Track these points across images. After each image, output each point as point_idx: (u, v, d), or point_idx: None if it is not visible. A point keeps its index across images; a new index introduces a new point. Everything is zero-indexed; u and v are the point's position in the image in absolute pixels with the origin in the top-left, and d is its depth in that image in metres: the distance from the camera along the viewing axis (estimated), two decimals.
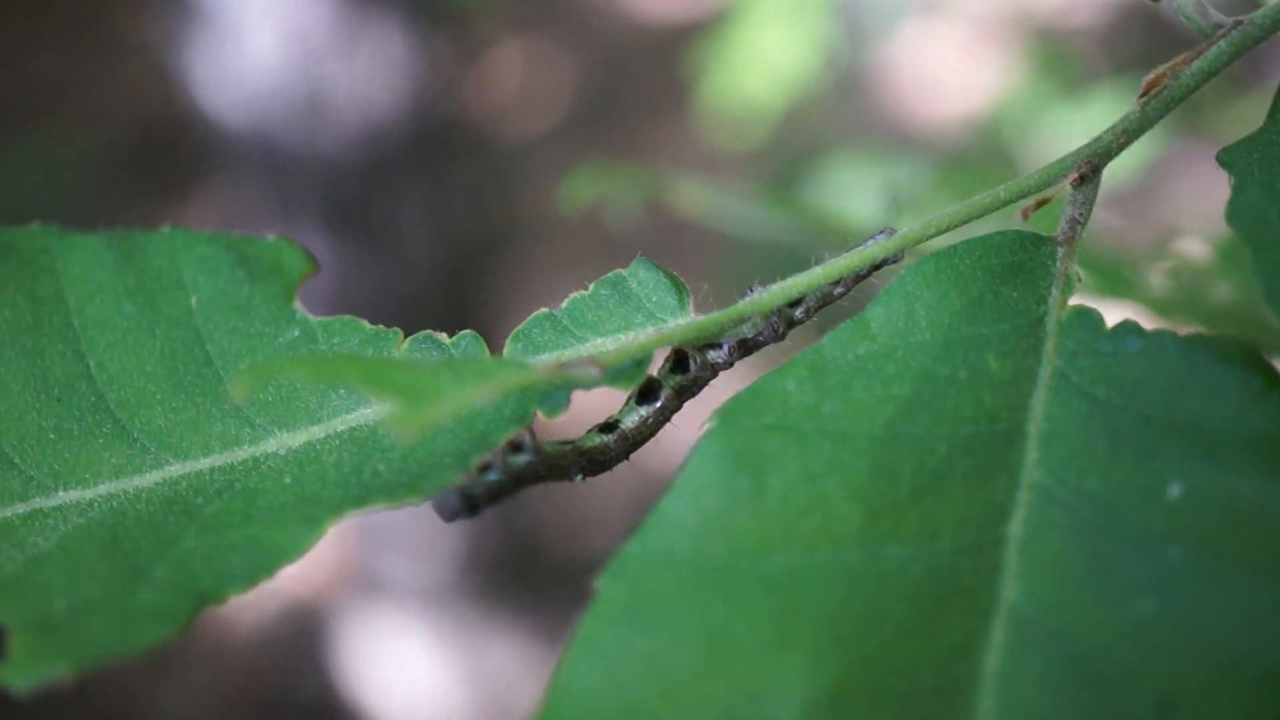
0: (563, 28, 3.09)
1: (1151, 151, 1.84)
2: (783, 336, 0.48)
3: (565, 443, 0.46)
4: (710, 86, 2.46)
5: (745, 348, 0.48)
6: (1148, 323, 0.94)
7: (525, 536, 2.50)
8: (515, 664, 2.35)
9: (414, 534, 2.32)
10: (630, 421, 0.47)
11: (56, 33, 3.00)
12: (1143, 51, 2.55)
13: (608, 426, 0.47)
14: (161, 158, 2.84)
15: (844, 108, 2.78)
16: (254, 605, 2.47)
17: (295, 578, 2.49)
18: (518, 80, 3.03)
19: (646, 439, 0.48)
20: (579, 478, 0.46)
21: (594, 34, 3.06)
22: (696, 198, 0.83)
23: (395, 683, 2.36)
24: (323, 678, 2.39)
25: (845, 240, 0.90)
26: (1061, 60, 2.31)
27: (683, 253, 2.54)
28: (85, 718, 2.32)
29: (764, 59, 2.42)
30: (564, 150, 2.87)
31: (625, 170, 0.85)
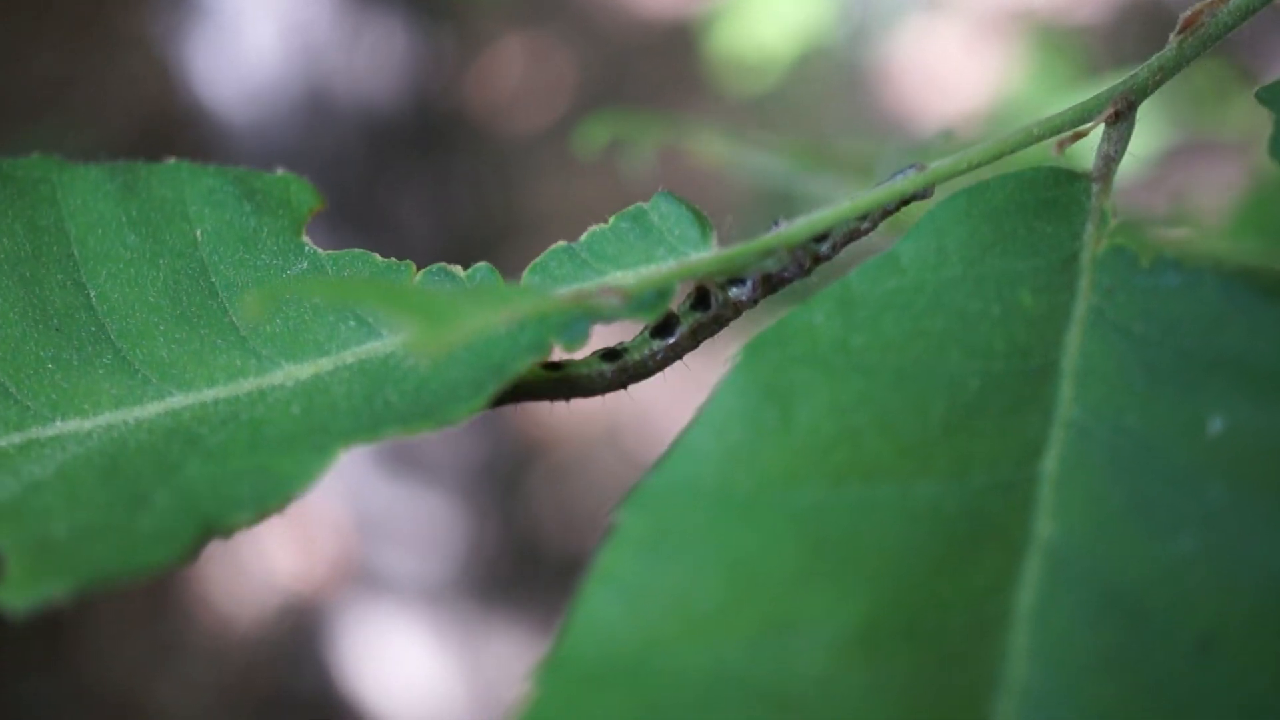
0: (565, 23, 3.08)
1: (1154, 144, 1.82)
2: (808, 272, 0.47)
3: (555, 365, 0.44)
4: (721, 38, 2.46)
5: (770, 284, 0.46)
6: None
7: (525, 533, 2.49)
8: (514, 660, 2.34)
9: (414, 531, 2.31)
10: (638, 354, 0.46)
11: (58, 29, 2.99)
12: (1146, 48, 2.54)
13: (611, 354, 0.46)
14: (163, 152, 2.82)
15: (844, 102, 2.77)
16: (253, 601, 2.46)
17: (294, 574, 2.47)
18: (519, 75, 3.02)
19: (649, 374, 0.46)
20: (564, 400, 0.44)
21: (596, 29, 3.05)
22: (715, 144, 0.81)
23: (394, 679, 2.35)
24: (322, 674, 2.38)
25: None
26: (1064, 57, 2.31)
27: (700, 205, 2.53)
28: (84, 713, 2.31)
29: (776, 12, 2.42)
30: (565, 145, 2.86)
31: (641, 116, 0.83)
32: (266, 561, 2.48)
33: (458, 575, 2.34)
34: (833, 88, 2.71)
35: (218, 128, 2.37)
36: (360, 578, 2.39)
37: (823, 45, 2.51)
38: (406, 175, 2.41)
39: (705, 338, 0.47)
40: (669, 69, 2.88)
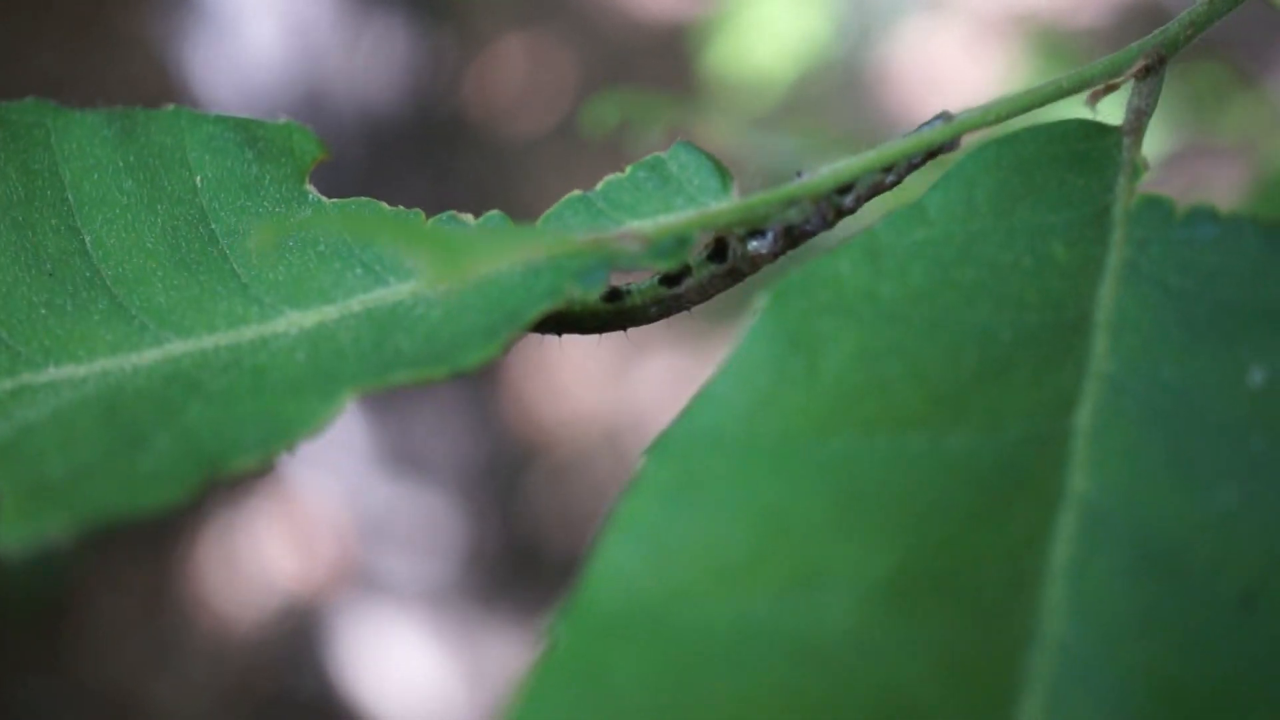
0: (566, 24, 3.07)
1: (1158, 147, 1.81)
2: (831, 225, 0.45)
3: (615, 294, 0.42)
4: (717, 56, 2.45)
5: (791, 237, 0.45)
6: None
7: (526, 534, 2.47)
8: (515, 662, 2.32)
9: (414, 533, 2.30)
10: (638, 298, 0.44)
11: (57, 29, 2.98)
12: None
13: (614, 294, 0.44)
14: None
15: (844, 106, 2.77)
16: (253, 603, 2.45)
17: (294, 576, 2.46)
18: (521, 76, 3.01)
19: (646, 322, 0.45)
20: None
21: (598, 31, 3.05)
22: (726, 128, 0.80)
23: (394, 680, 2.34)
24: (321, 675, 2.36)
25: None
26: (1065, 61, 2.30)
27: None
28: (83, 714, 2.29)
29: (773, 29, 2.41)
30: (567, 147, 2.85)
31: (648, 98, 0.82)
32: (266, 563, 2.47)
33: (457, 577, 2.33)
34: (833, 91, 2.71)
35: None
36: (359, 579, 2.38)
37: (822, 56, 2.50)
38: (407, 176, 2.40)
39: (717, 291, 0.46)
40: (671, 70, 2.87)
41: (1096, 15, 2.80)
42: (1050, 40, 2.42)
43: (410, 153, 2.41)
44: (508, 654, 2.33)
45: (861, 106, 2.79)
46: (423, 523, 2.29)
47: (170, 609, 2.43)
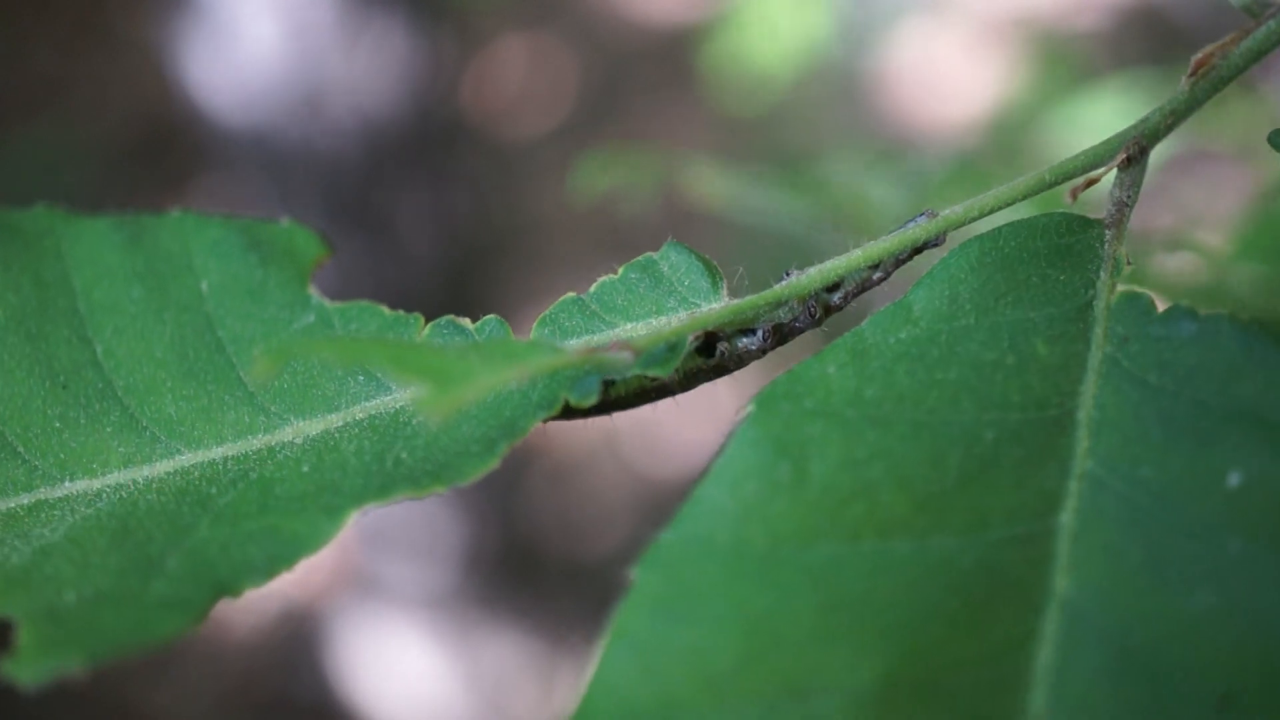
0: (566, 26, 3.07)
1: (1161, 152, 1.82)
2: (820, 323, 0.46)
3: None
4: (717, 54, 2.45)
5: (780, 334, 0.46)
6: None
7: (525, 539, 2.48)
8: (514, 667, 2.33)
9: (413, 537, 2.31)
10: (624, 389, 0.45)
11: (56, 29, 2.98)
12: (1147, 55, 2.53)
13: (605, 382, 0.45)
14: (161, 154, 2.82)
15: (843, 109, 2.77)
16: (252, 608, 2.46)
17: (293, 580, 2.47)
18: (520, 78, 3.01)
19: (624, 409, 0.46)
20: None
21: (598, 32, 3.05)
22: (710, 181, 0.81)
23: (393, 685, 2.35)
24: (320, 680, 2.37)
25: (865, 226, 0.88)
26: (1065, 64, 2.30)
27: (697, 246, 2.52)
28: (80, 717, 2.30)
29: (773, 27, 2.41)
30: (566, 148, 2.85)
31: (637, 155, 0.82)
32: None
33: (457, 581, 2.34)
34: (832, 95, 2.71)
35: (216, 130, 2.37)
36: (359, 583, 2.39)
37: (821, 58, 2.50)
38: (406, 179, 2.41)
39: (701, 382, 0.47)
40: (671, 73, 2.87)
41: (1096, 19, 2.80)
42: (1050, 44, 2.43)
43: (409, 155, 2.41)
44: (506, 657, 2.34)
45: (860, 109, 2.80)
46: (422, 526, 2.30)
47: None
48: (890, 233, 0.46)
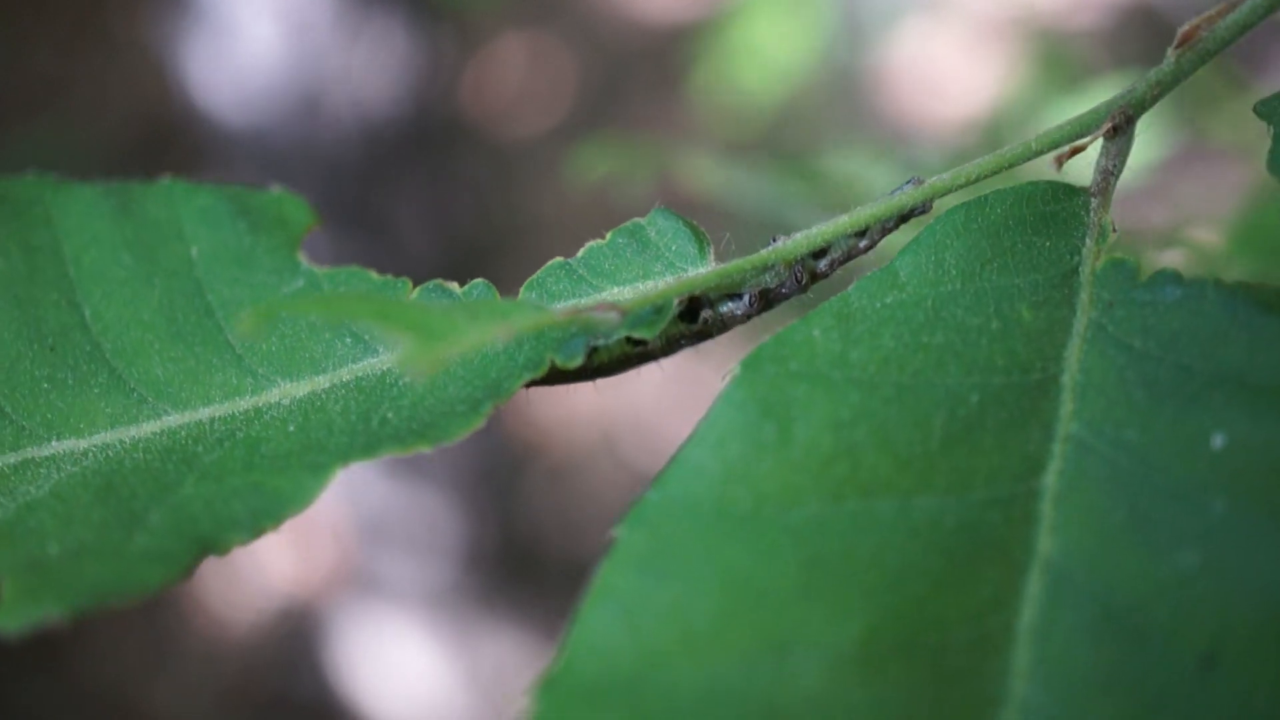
0: (565, 25, 3.08)
1: (1152, 153, 1.82)
2: (806, 289, 0.47)
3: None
4: (705, 78, 2.45)
5: (766, 299, 0.46)
6: None
7: (523, 536, 2.48)
8: (513, 664, 2.33)
9: (412, 535, 2.31)
10: (606, 355, 0.45)
11: (55, 30, 2.99)
12: (1145, 54, 2.54)
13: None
14: (160, 154, 2.83)
15: (842, 108, 2.77)
16: (250, 605, 2.46)
17: (292, 578, 2.47)
18: (519, 77, 3.01)
19: (612, 374, 0.46)
20: None
21: (596, 32, 3.05)
22: (708, 172, 0.82)
23: (392, 682, 2.35)
24: (319, 677, 2.37)
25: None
26: (1063, 62, 2.30)
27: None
28: (81, 716, 2.31)
29: (760, 52, 2.41)
30: (565, 148, 2.85)
31: (634, 144, 0.83)
32: (263, 565, 2.48)
33: (456, 578, 2.34)
34: (831, 94, 2.71)
35: (215, 130, 2.37)
36: (358, 581, 2.39)
37: (820, 57, 2.50)
38: (405, 178, 2.41)
39: (684, 347, 0.47)
40: (669, 73, 2.87)
41: (1094, 17, 2.80)
42: (1048, 42, 2.43)
43: (408, 153, 2.42)
44: (505, 655, 2.34)
45: (859, 108, 2.80)
46: (421, 524, 2.30)
47: (168, 611, 2.44)
48: (878, 199, 0.47)
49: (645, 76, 2.97)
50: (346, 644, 2.39)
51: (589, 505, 2.48)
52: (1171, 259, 0.97)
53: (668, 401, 2.29)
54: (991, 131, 2.36)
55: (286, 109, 2.29)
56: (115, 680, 2.35)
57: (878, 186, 0.89)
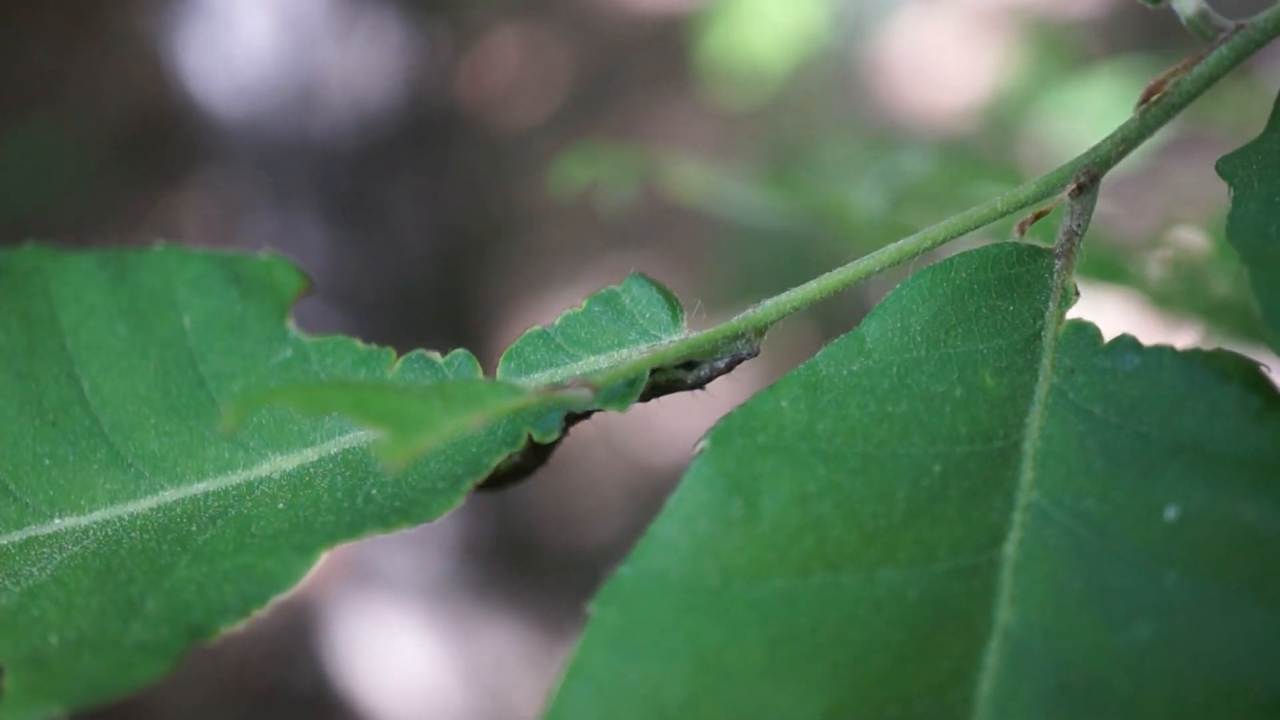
0: (560, 15, 3.08)
1: (1153, 140, 1.83)
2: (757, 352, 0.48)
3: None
4: (714, 45, 2.45)
5: (732, 366, 0.48)
6: (1146, 314, 0.93)
7: (521, 528, 2.50)
8: (511, 655, 2.35)
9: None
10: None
11: (51, 23, 2.99)
12: (1141, 42, 2.54)
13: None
14: (156, 147, 2.83)
15: (839, 97, 2.78)
16: None
17: None
18: (514, 68, 3.02)
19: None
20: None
21: (591, 22, 3.05)
22: (693, 180, 0.83)
23: (389, 674, 2.36)
24: (317, 668, 2.39)
25: (844, 225, 0.89)
26: (1059, 52, 2.30)
27: (677, 242, 2.53)
28: (78, 711, 2.32)
29: (770, 18, 2.42)
30: (560, 139, 2.86)
31: (618, 153, 0.84)
32: None
33: (453, 569, 2.35)
34: (826, 83, 2.72)
35: (211, 123, 2.38)
36: (355, 572, 2.41)
37: (817, 47, 2.50)
38: (400, 170, 2.41)
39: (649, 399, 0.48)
40: (665, 62, 2.87)
41: (1090, 6, 2.80)
42: (1044, 31, 2.43)
43: (403, 145, 2.42)
44: (503, 646, 2.36)
45: (856, 98, 2.80)
46: None
47: None
48: (843, 267, 0.47)
49: (640, 66, 2.97)
50: (344, 635, 2.40)
51: (585, 495, 2.50)
52: (1163, 256, 0.98)
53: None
54: (988, 120, 2.36)
55: (282, 101, 2.30)
56: None
57: (859, 201, 0.91)
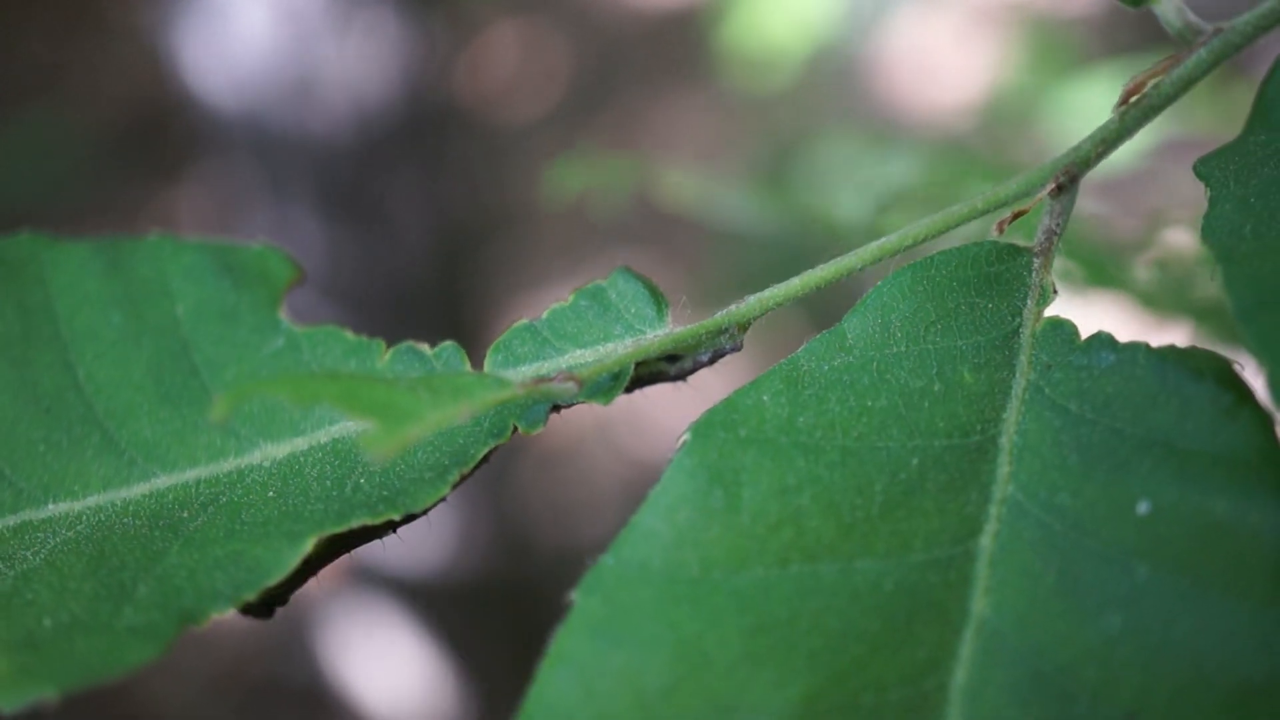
0: (558, 10, 3.08)
1: (1150, 141, 1.83)
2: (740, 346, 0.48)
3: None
4: (731, 31, 2.46)
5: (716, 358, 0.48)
6: (1134, 314, 0.93)
7: (515, 524, 2.50)
8: (504, 652, 2.36)
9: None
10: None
11: (49, 16, 2.99)
12: (1139, 41, 2.55)
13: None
14: (154, 140, 2.84)
15: (838, 93, 2.78)
16: None
17: None
18: (513, 63, 3.02)
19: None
20: None
21: (590, 18, 3.06)
22: (684, 188, 0.83)
23: (384, 669, 2.37)
24: (311, 663, 2.39)
25: (831, 234, 0.90)
26: (1058, 48, 2.31)
27: (673, 241, 2.54)
28: (73, 701, 2.33)
29: (787, 6, 2.43)
30: (558, 134, 2.86)
31: (611, 160, 0.85)
32: None
33: (448, 565, 2.36)
34: (828, 80, 2.72)
35: (209, 115, 2.38)
36: (350, 568, 2.41)
37: (818, 43, 2.51)
38: (398, 163, 2.41)
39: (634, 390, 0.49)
40: (664, 58, 2.88)
41: (1088, 4, 2.80)
42: (1042, 29, 2.43)
43: (401, 140, 2.42)
44: (496, 642, 2.36)
45: (856, 94, 2.81)
46: None
47: None
48: (825, 264, 0.48)
49: (640, 61, 2.98)
50: (338, 630, 2.40)
51: (581, 491, 2.51)
52: (1149, 258, 0.99)
53: (662, 390, 2.30)
54: (986, 117, 2.37)
55: (280, 94, 2.30)
56: None
57: (845, 208, 0.92)
